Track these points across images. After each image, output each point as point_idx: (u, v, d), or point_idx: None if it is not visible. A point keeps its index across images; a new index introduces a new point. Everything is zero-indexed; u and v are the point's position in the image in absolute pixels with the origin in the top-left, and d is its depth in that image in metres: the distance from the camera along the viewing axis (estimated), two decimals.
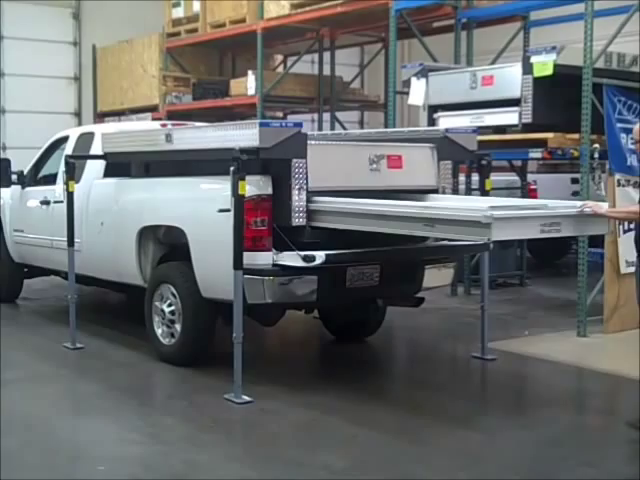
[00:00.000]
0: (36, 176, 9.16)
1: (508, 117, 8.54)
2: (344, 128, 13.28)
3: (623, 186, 8.10)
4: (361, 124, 16.60)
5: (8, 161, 9.05)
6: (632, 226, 8.13)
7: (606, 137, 7.99)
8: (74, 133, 8.91)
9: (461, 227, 5.12)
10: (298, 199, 5.98)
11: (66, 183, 7.42)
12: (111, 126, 10.36)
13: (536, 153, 8.37)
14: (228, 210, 5.85)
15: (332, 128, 13.18)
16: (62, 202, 7.83)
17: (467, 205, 5.45)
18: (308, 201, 6.02)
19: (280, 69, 15.12)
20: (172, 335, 6.85)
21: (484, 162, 7.11)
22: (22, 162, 9.38)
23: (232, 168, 5.69)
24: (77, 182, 7.58)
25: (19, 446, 5.07)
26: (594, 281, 8.17)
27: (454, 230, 5.22)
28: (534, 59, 8.16)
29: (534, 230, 5.26)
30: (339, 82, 13.99)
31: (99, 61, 15.70)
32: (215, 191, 6.32)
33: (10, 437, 5.17)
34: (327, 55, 13.47)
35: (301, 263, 5.86)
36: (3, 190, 9.36)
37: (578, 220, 5.54)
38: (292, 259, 5.91)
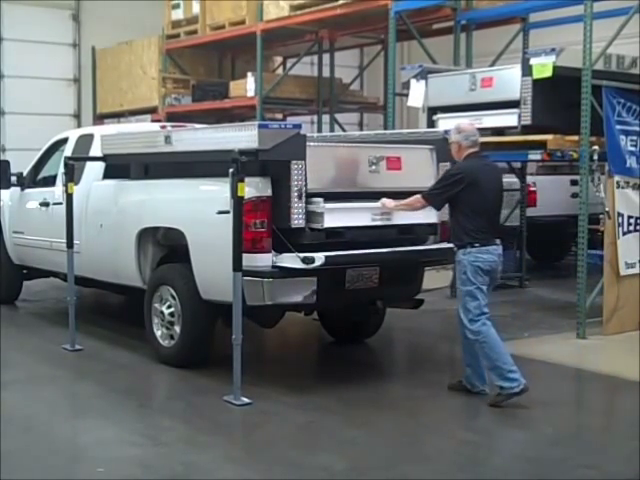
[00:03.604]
0: (35, 178, 9.15)
1: (507, 119, 8.54)
2: (343, 130, 13.30)
3: (622, 188, 8.11)
4: (360, 126, 16.59)
5: (7, 163, 9.04)
6: (631, 228, 8.17)
7: (605, 139, 7.99)
8: (73, 135, 8.91)
9: None
10: (297, 201, 5.97)
11: (65, 185, 7.42)
12: (110, 128, 10.36)
13: (535, 155, 8.35)
14: (227, 212, 5.85)
15: (331, 130, 13.18)
16: (61, 204, 7.81)
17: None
18: (307, 203, 6.02)
19: (279, 71, 15.12)
20: (171, 337, 6.84)
21: None
22: (21, 164, 9.37)
23: (231, 170, 5.69)
24: (76, 184, 7.59)
25: (19, 447, 5.06)
26: (593, 283, 8.17)
27: None
28: (533, 61, 8.15)
29: (365, 218, 6.30)
30: (338, 84, 13.99)
31: (98, 63, 15.69)
32: (214, 193, 6.31)
33: (10, 438, 5.16)
34: (326, 57, 13.46)
35: (300, 265, 5.84)
36: (2, 192, 9.35)
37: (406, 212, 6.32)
38: (291, 261, 5.90)
